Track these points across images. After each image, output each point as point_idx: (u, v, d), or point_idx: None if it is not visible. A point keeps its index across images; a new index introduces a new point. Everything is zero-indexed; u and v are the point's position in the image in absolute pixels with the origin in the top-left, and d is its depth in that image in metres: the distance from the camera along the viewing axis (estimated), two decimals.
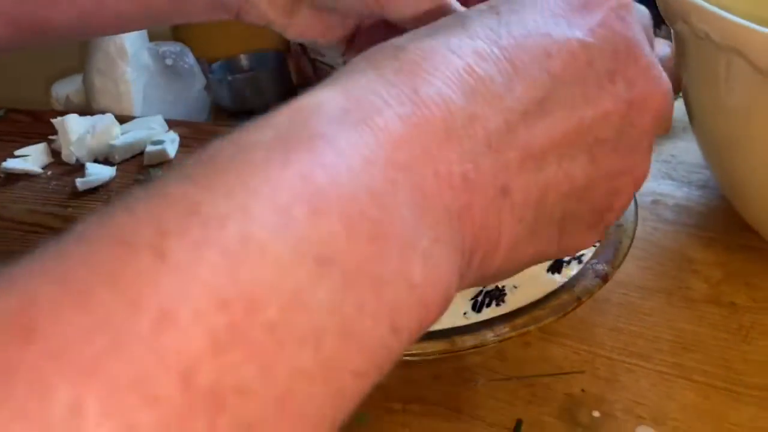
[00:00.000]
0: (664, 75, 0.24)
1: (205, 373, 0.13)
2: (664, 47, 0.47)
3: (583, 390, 0.34)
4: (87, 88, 0.59)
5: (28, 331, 0.13)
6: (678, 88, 0.35)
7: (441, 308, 0.18)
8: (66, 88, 0.63)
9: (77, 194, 0.47)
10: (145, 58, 0.59)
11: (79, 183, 0.46)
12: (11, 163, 0.49)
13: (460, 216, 0.19)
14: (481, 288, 0.34)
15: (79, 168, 0.49)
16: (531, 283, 0.33)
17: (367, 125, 0.18)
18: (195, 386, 0.13)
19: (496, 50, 0.20)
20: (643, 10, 0.25)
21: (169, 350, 0.13)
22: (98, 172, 0.47)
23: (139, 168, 0.50)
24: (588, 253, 0.35)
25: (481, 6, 0.22)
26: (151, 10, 0.33)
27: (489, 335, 0.32)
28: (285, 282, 0.15)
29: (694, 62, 0.36)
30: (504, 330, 0.32)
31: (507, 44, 0.21)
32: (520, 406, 0.33)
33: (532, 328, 0.32)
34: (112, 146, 0.50)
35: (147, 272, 0.14)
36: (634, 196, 0.28)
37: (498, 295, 0.33)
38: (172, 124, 0.54)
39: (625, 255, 0.35)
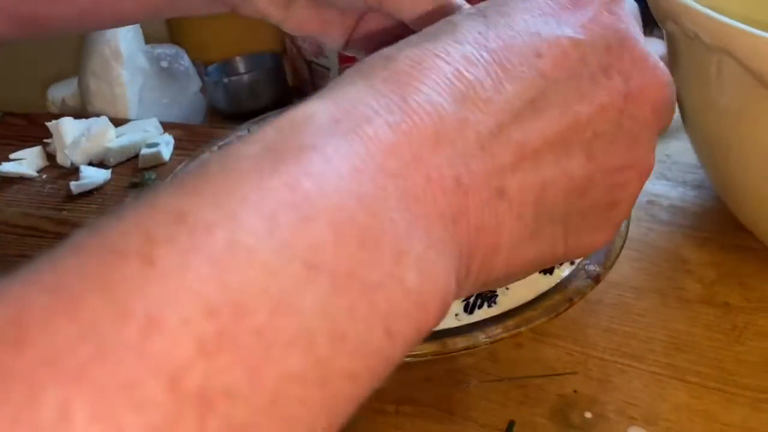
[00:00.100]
0: (662, 65, 0.23)
1: (192, 377, 0.14)
2: (660, 47, 0.47)
3: (575, 391, 0.34)
4: (82, 91, 0.59)
5: (20, 339, 0.13)
6: None
7: (439, 313, 0.18)
8: (62, 91, 0.63)
9: (72, 197, 0.47)
10: (141, 60, 0.59)
11: (74, 186, 0.46)
12: (6, 167, 0.49)
13: (455, 220, 0.19)
14: None
15: (74, 171, 0.49)
16: (523, 285, 0.33)
17: (356, 134, 0.18)
18: (183, 390, 0.13)
19: (484, 54, 0.20)
20: (631, 3, 0.25)
21: (157, 355, 0.13)
22: (93, 175, 0.47)
23: (133, 171, 0.50)
24: None
25: (470, 9, 0.22)
26: (150, 5, 0.33)
27: (481, 337, 0.32)
28: (272, 287, 0.15)
29: (685, 62, 0.36)
30: (496, 331, 0.32)
31: (495, 47, 0.21)
32: (513, 408, 0.33)
33: (523, 329, 0.32)
34: (107, 149, 0.50)
35: (135, 279, 0.14)
36: None
37: (490, 297, 0.33)
38: (167, 126, 0.54)
39: (617, 256, 0.35)
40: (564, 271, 0.34)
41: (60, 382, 0.13)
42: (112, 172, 0.49)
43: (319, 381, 0.16)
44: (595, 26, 0.22)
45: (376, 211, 0.17)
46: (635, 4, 0.26)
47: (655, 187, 0.47)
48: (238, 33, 0.69)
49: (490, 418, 0.32)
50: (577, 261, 0.34)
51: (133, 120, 0.55)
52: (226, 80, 0.61)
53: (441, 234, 0.19)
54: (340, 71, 0.60)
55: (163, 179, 0.44)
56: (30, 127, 0.56)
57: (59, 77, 0.66)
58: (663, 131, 0.25)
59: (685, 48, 0.35)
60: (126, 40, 0.57)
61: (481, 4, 0.23)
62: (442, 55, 0.20)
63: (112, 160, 0.50)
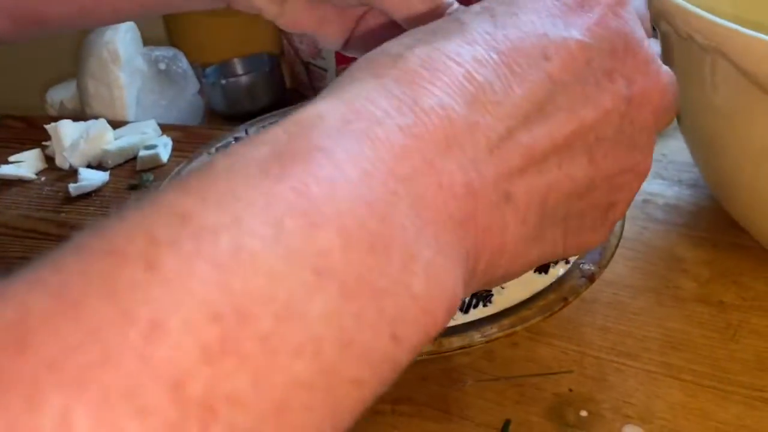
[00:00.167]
0: (664, 68, 0.24)
1: (196, 383, 0.13)
2: (657, 47, 0.48)
3: (571, 389, 0.34)
4: (81, 93, 0.59)
5: (22, 343, 0.13)
6: None
7: (446, 318, 0.18)
8: (60, 94, 0.63)
9: (71, 199, 0.47)
10: (139, 62, 0.59)
11: (72, 188, 0.47)
12: (5, 170, 0.50)
13: (463, 224, 0.19)
14: None
15: (72, 173, 0.49)
16: (518, 284, 0.33)
17: (367, 137, 0.18)
18: (186, 397, 0.13)
19: (494, 55, 0.20)
20: (641, 4, 0.25)
21: (160, 361, 0.13)
22: (91, 178, 0.48)
23: (132, 173, 0.50)
24: None
25: (476, 8, 0.22)
26: (148, 1, 0.33)
27: (476, 336, 0.32)
28: (278, 293, 0.15)
29: (679, 62, 0.36)
30: (491, 331, 0.32)
31: (504, 48, 0.20)
32: (509, 406, 0.33)
33: (518, 328, 0.32)
34: (105, 151, 0.50)
35: (139, 283, 0.14)
36: None
37: (485, 296, 0.33)
38: (165, 128, 0.55)
39: (612, 255, 0.35)
40: (559, 270, 0.34)
41: (61, 388, 0.12)
42: (110, 174, 0.49)
43: (325, 387, 0.15)
44: (600, 29, 0.22)
45: (386, 216, 0.17)
46: (645, 7, 0.26)
47: (650, 185, 0.47)
48: (235, 35, 0.69)
49: (486, 417, 0.33)
50: (572, 260, 0.35)
51: (132, 122, 0.56)
52: (223, 82, 0.62)
53: (450, 239, 0.18)
54: (338, 72, 0.60)
55: (161, 181, 0.44)
56: (29, 130, 0.57)
57: (58, 80, 0.66)
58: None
59: (678, 48, 0.35)
60: (124, 42, 0.57)
61: (489, 2, 0.22)
62: (453, 56, 0.20)
63: (110, 162, 0.50)
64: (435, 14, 0.28)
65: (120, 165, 0.51)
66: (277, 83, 0.63)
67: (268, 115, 0.50)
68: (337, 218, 0.16)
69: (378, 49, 0.21)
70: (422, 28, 0.22)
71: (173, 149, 0.52)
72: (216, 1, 0.33)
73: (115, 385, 0.13)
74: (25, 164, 0.51)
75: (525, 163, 0.20)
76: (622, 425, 0.32)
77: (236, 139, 0.48)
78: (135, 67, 0.59)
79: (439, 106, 0.19)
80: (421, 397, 0.34)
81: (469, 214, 0.19)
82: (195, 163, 0.46)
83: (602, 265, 0.35)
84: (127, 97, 0.58)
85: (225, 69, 0.65)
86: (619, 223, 0.37)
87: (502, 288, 0.33)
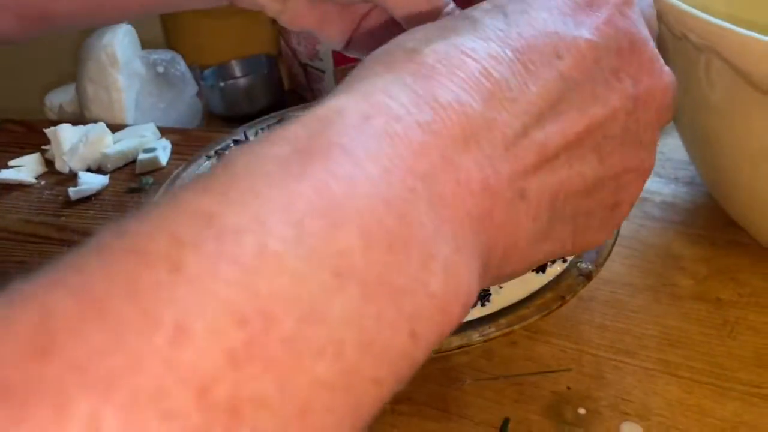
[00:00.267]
0: (667, 68, 0.24)
1: (221, 387, 0.13)
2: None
3: (569, 387, 0.34)
4: (80, 97, 0.60)
5: (47, 346, 0.13)
6: None
7: (462, 315, 0.18)
8: (59, 98, 0.64)
9: (71, 203, 0.47)
10: (137, 66, 0.59)
11: (72, 192, 0.47)
12: (5, 174, 0.50)
13: (480, 221, 0.19)
14: None
15: (72, 177, 0.49)
16: (515, 283, 0.33)
17: (386, 133, 0.18)
18: (212, 400, 0.13)
19: (508, 52, 0.20)
20: (648, 4, 0.25)
21: (186, 365, 0.13)
22: (91, 181, 0.48)
23: (131, 176, 0.50)
24: None
25: (486, 5, 0.22)
26: (153, 2, 0.34)
27: (475, 335, 0.32)
28: (301, 295, 0.15)
29: (674, 61, 0.37)
30: (489, 330, 0.32)
31: (518, 45, 0.21)
32: (508, 405, 0.33)
33: (516, 327, 0.32)
34: (104, 155, 0.51)
35: (163, 285, 0.14)
36: None
37: (483, 296, 0.33)
38: (164, 131, 0.55)
39: (609, 253, 0.35)
40: (556, 269, 0.34)
41: (89, 391, 0.12)
42: (110, 178, 0.49)
43: (346, 388, 0.15)
44: (608, 28, 0.22)
45: (405, 214, 0.17)
46: (651, 5, 0.26)
47: (647, 183, 0.47)
48: (233, 36, 0.69)
49: (485, 416, 0.33)
50: (569, 259, 0.35)
51: (130, 125, 0.56)
52: (222, 84, 0.62)
53: (466, 236, 0.19)
54: (336, 74, 0.60)
55: (161, 184, 0.44)
56: (28, 134, 0.57)
57: (57, 83, 0.66)
58: None
59: (673, 47, 0.35)
60: (122, 45, 0.58)
61: (501, 1, 0.22)
62: (469, 52, 0.20)
63: (110, 165, 0.51)
64: (434, 14, 0.28)
65: (119, 168, 0.51)
66: (275, 85, 0.64)
67: (266, 117, 0.50)
68: (357, 217, 0.16)
69: (392, 43, 0.21)
70: (432, 25, 0.22)
71: (172, 152, 0.52)
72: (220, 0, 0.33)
73: (141, 389, 0.13)
74: (25, 168, 0.51)
75: (539, 161, 0.20)
76: (620, 422, 0.32)
77: (235, 141, 0.48)
78: (133, 70, 0.59)
79: (457, 102, 0.19)
80: (421, 397, 0.34)
81: (485, 211, 0.19)
82: (193, 166, 0.46)
83: (599, 264, 0.35)
84: (125, 100, 0.58)
85: (223, 71, 0.65)
86: None
87: (500, 287, 0.34)
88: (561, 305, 0.33)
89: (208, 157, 0.47)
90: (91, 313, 0.13)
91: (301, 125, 0.17)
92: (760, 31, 0.30)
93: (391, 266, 0.16)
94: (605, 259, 0.35)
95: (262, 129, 0.50)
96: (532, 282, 0.34)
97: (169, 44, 0.73)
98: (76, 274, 0.14)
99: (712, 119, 0.36)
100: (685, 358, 0.35)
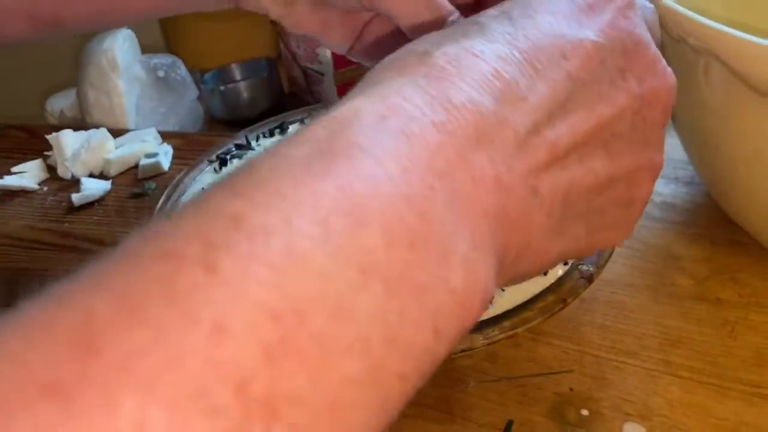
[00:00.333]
0: (669, 69, 0.24)
1: (259, 383, 0.14)
2: None
3: (571, 389, 0.34)
4: (80, 101, 0.60)
5: (90, 347, 0.13)
6: None
7: (481, 310, 0.19)
8: (60, 102, 0.64)
9: (74, 209, 0.47)
10: (138, 70, 0.60)
11: (75, 198, 0.47)
12: (8, 180, 0.50)
13: (495, 218, 0.19)
14: None
15: (74, 183, 0.50)
16: (518, 286, 0.33)
17: (403, 133, 0.18)
18: (250, 396, 0.14)
19: (516, 53, 0.21)
20: (649, 6, 0.26)
21: (225, 362, 0.14)
22: (93, 187, 0.48)
23: (134, 181, 0.50)
24: None
25: (492, 11, 0.23)
26: (162, 9, 0.34)
27: (478, 338, 0.32)
28: (329, 292, 0.15)
29: (672, 63, 0.37)
30: (493, 332, 0.32)
31: (526, 47, 0.21)
32: (511, 407, 0.34)
33: (520, 330, 0.33)
34: (106, 160, 0.51)
35: (199, 287, 0.14)
36: None
37: None
38: (165, 136, 0.55)
39: (610, 255, 0.36)
40: (558, 271, 0.35)
41: (134, 389, 0.13)
42: (112, 183, 0.50)
43: (373, 384, 0.16)
44: (612, 30, 0.23)
45: (425, 212, 0.17)
46: (653, 6, 0.26)
47: None
48: (233, 40, 0.70)
49: (489, 418, 0.33)
50: (570, 261, 0.35)
51: (132, 130, 0.56)
52: (222, 88, 0.62)
53: (483, 232, 0.19)
54: (335, 77, 0.60)
55: (163, 189, 0.44)
56: (30, 140, 0.57)
57: (57, 88, 0.66)
58: None
59: (671, 50, 0.36)
60: (122, 50, 0.58)
61: (503, 6, 0.23)
62: (479, 54, 0.20)
63: (112, 171, 0.51)
64: (438, 23, 0.28)
65: (121, 173, 0.51)
66: (275, 88, 0.64)
67: (267, 121, 0.50)
68: (379, 215, 0.16)
69: (402, 50, 0.21)
70: (441, 31, 0.22)
71: (174, 156, 0.52)
72: (225, 1, 0.33)
73: (183, 386, 0.13)
74: (28, 174, 0.51)
75: (550, 158, 0.21)
76: (622, 423, 0.32)
77: (237, 146, 0.48)
78: (134, 75, 0.59)
79: (470, 102, 0.19)
80: (425, 399, 0.34)
81: (499, 208, 0.20)
82: (195, 171, 0.46)
83: (600, 266, 0.35)
84: (126, 104, 0.58)
85: (223, 75, 0.66)
86: None
87: (503, 290, 0.34)
88: (563, 307, 0.33)
89: (210, 162, 0.47)
90: (131, 314, 0.14)
91: (320, 126, 0.18)
92: (757, 35, 0.30)
93: (412, 263, 0.17)
94: (606, 261, 0.35)
95: (263, 133, 0.50)
96: (535, 284, 0.34)
97: (169, 48, 0.73)
98: (114, 278, 0.14)
99: (710, 120, 0.36)
100: (686, 358, 0.35)
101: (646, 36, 0.24)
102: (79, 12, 0.34)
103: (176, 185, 0.45)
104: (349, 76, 0.61)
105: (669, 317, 0.38)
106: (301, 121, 0.51)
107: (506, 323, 0.33)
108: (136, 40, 0.60)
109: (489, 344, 0.32)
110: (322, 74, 0.61)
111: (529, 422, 0.33)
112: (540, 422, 0.33)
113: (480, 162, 0.19)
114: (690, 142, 0.41)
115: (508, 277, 0.22)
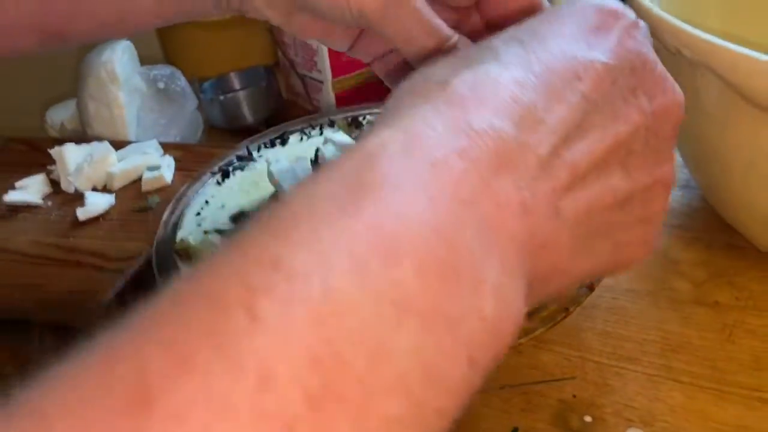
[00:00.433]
0: (677, 85, 0.25)
1: (302, 430, 0.14)
2: None
3: (574, 395, 0.35)
4: (81, 114, 0.60)
5: (145, 400, 0.14)
6: None
7: (513, 336, 0.19)
8: (60, 114, 0.64)
9: (78, 224, 0.48)
10: (137, 82, 0.60)
11: (80, 213, 0.47)
12: (12, 196, 0.50)
13: (522, 242, 0.20)
14: None
15: (78, 197, 0.50)
16: None
17: (429, 163, 0.18)
18: None
19: (532, 77, 0.21)
20: (644, 25, 0.27)
21: (271, 410, 0.14)
22: (97, 202, 0.48)
23: (137, 194, 0.51)
24: None
25: (504, 36, 0.23)
26: (165, 18, 0.35)
27: None
28: (368, 333, 0.15)
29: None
30: None
31: (540, 71, 0.22)
32: (515, 414, 0.34)
33: (523, 340, 0.33)
34: (110, 174, 0.51)
35: (243, 333, 0.15)
36: None
37: None
38: (167, 147, 0.55)
39: None
40: None
41: None
42: (116, 197, 0.50)
43: (414, 421, 0.16)
44: (620, 50, 0.23)
45: (454, 241, 0.18)
46: (646, 26, 0.27)
47: None
48: (230, 48, 0.70)
49: (494, 426, 0.34)
50: None
51: (134, 142, 0.56)
52: (222, 98, 0.62)
53: (512, 258, 0.19)
54: (333, 85, 0.61)
55: (167, 202, 0.44)
56: (32, 153, 0.57)
57: (56, 99, 0.67)
58: None
59: (668, 61, 0.36)
60: (122, 62, 0.58)
61: (512, 32, 0.24)
62: (497, 79, 0.21)
63: (115, 184, 0.51)
64: (438, 47, 0.28)
65: (124, 186, 0.52)
66: (274, 95, 0.64)
67: (268, 131, 0.51)
68: (411, 250, 0.17)
69: (420, 76, 0.22)
70: (456, 56, 0.23)
71: (176, 168, 0.53)
72: (228, 10, 0.34)
73: None
74: (32, 189, 0.51)
75: (571, 179, 0.21)
76: (625, 429, 0.33)
77: (238, 157, 0.49)
78: (134, 86, 0.59)
79: (491, 127, 0.20)
80: None
81: (526, 232, 0.20)
82: (198, 184, 0.47)
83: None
84: (127, 116, 0.58)
85: (222, 83, 0.66)
86: None
87: None
88: (565, 317, 0.34)
89: (213, 174, 0.48)
90: (181, 365, 0.14)
91: (348, 161, 0.19)
92: (753, 48, 0.31)
93: (445, 295, 0.17)
94: None
95: (264, 144, 0.51)
96: None
97: (167, 58, 0.73)
98: (161, 327, 0.15)
99: (705, 130, 0.37)
100: (687, 363, 0.36)
101: (653, 54, 0.25)
102: (84, 25, 0.34)
103: (179, 198, 0.45)
104: (346, 84, 0.61)
105: (669, 322, 0.38)
106: (302, 131, 0.52)
107: None
108: (135, 52, 0.60)
109: None
110: (321, 82, 0.61)
111: (533, 429, 0.34)
112: (544, 429, 0.34)
113: (504, 187, 0.19)
114: (686, 149, 0.42)
115: (537, 299, 0.22)
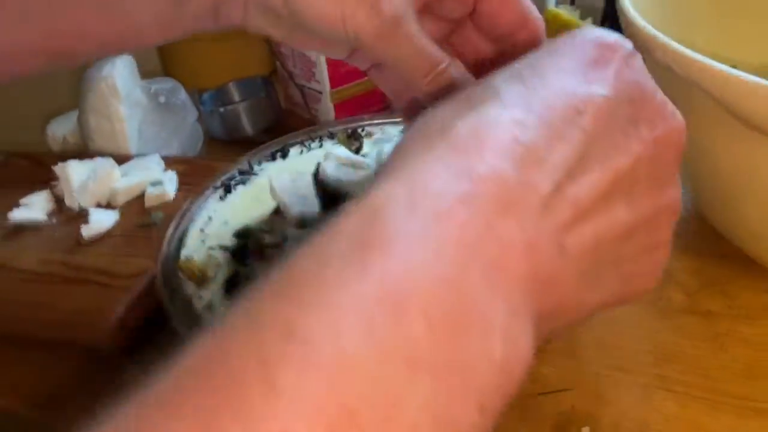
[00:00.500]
0: (677, 111, 0.25)
1: None
2: None
3: (573, 407, 0.36)
4: (82, 127, 0.61)
5: None
6: None
7: (522, 375, 0.19)
8: (62, 128, 0.65)
9: (83, 241, 0.48)
10: (138, 95, 0.61)
11: (84, 231, 0.48)
12: (17, 214, 0.51)
13: (528, 281, 0.20)
14: None
15: (82, 213, 0.51)
16: None
17: (433, 213, 0.19)
18: None
19: (532, 117, 0.22)
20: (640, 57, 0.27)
21: None
22: (101, 219, 0.49)
23: (140, 210, 0.51)
24: None
25: (504, 74, 0.24)
26: (166, 37, 0.36)
27: None
28: (381, 392, 0.16)
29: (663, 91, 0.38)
30: None
31: (540, 109, 0.22)
32: (514, 427, 0.35)
33: None
34: (113, 190, 0.52)
35: (262, 405, 0.15)
36: None
37: None
38: (168, 161, 0.56)
39: None
40: None
41: None
42: (120, 213, 0.51)
43: None
44: (619, 82, 0.23)
45: (461, 290, 0.18)
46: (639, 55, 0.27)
47: None
48: (228, 59, 0.71)
49: None
50: None
51: (135, 156, 0.57)
52: (222, 110, 0.63)
53: (518, 298, 0.20)
54: (331, 96, 0.62)
55: (171, 217, 0.45)
56: (34, 168, 0.58)
57: (58, 111, 0.67)
58: None
59: (658, 77, 0.37)
60: (122, 77, 0.59)
61: (514, 68, 0.24)
62: (497, 122, 0.21)
63: (119, 200, 0.52)
64: (436, 71, 0.29)
65: (128, 201, 0.52)
66: (273, 106, 0.65)
67: (268, 144, 0.52)
68: (419, 303, 0.17)
69: (424, 121, 0.23)
70: (458, 98, 0.23)
71: (178, 182, 0.54)
72: (230, 25, 0.35)
73: None
74: (36, 206, 0.52)
75: (574, 215, 0.22)
76: None
77: (240, 172, 0.49)
78: (135, 100, 0.60)
79: (492, 171, 0.20)
80: None
81: (531, 271, 0.20)
82: (201, 199, 0.47)
83: None
84: (128, 130, 0.59)
85: (221, 95, 0.67)
86: None
87: None
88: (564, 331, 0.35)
89: (215, 188, 0.49)
90: None
91: (354, 216, 0.19)
92: (741, 68, 0.31)
93: (455, 346, 0.17)
94: None
95: (265, 157, 0.51)
96: None
97: (166, 70, 0.74)
98: (180, 399, 0.16)
99: (697, 146, 0.38)
100: (680, 373, 0.37)
101: (651, 83, 0.25)
102: (91, 47, 0.35)
103: (183, 215, 0.46)
104: (345, 94, 0.62)
105: (662, 332, 0.39)
106: (302, 144, 0.52)
107: None
108: (135, 66, 0.61)
109: None
110: (320, 92, 0.62)
111: None
112: None
113: (508, 229, 0.20)
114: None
115: (545, 336, 0.22)
